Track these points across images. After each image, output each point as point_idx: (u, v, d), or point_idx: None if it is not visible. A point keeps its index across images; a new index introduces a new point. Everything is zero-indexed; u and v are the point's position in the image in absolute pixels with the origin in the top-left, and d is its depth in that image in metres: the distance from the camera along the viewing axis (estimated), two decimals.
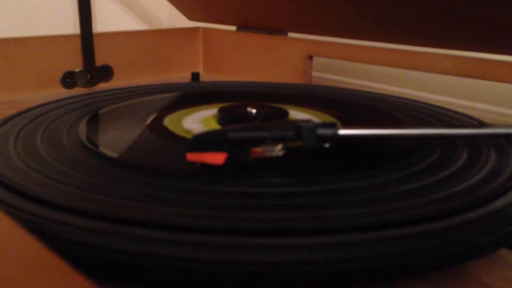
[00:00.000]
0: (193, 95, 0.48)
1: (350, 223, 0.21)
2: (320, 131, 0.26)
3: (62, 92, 0.54)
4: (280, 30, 0.61)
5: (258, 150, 0.26)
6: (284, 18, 0.58)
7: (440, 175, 0.27)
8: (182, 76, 0.65)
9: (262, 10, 0.59)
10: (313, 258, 0.19)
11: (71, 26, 0.73)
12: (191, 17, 0.72)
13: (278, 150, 0.26)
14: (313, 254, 0.19)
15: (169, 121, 0.36)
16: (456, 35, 0.44)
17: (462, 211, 0.23)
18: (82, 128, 0.34)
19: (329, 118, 0.38)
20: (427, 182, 0.26)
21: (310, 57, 0.58)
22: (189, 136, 0.32)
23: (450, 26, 0.43)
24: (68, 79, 0.55)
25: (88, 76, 0.56)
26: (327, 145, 0.27)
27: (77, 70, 0.56)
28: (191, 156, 0.26)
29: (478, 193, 0.25)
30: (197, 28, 0.69)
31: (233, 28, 0.67)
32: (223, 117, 0.35)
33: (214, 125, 0.35)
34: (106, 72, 0.58)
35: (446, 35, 0.45)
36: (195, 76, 0.60)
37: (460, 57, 0.46)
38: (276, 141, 0.26)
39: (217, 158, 0.26)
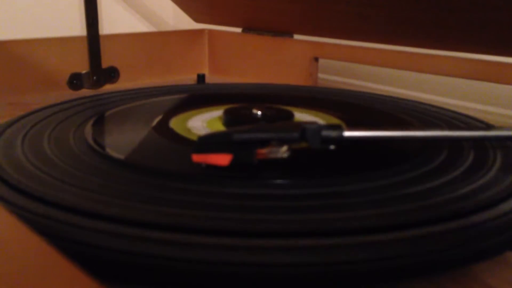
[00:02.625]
0: (198, 97, 0.48)
1: (355, 225, 0.21)
2: (325, 132, 0.26)
3: (68, 94, 0.55)
4: (285, 32, 0.61)
5: (263, 151, 0.26)
6: (289, 20, 0.58)
7: (446, 177, 0.27)
8: (188, 78, 0.65)
9: (268, 12, 0.59)
10: (318, 260, 0.19)
11: (77, 27, 0.74)
12: (197, 19, 0.72)
13: (283, 151, 0.26)
14: (317, 256, 0.19)
15: (175, 123, 0.36)
16: (462, 37, 0.44)
17: (467, 213, 0.22)
18: (88, 130, 0.34)
19: (334, 120, 0.38)
20: (432, 184, 0.26)
21: (316, 59, 0.58)
22: (194, 137, 0.33)
23: (455, 28, 0.43)
24: (75, 81, 0.56)
25: (94, 78, 0.57)
26: (332, 147, 0.27)
27: (84, 71, 0.56)
28: (197, 157, 0.26)
29: (484, 195, 0.24)
30: (202, 30, 0.69)
31: (239, 30, 0.67)
32: (229, 119, 0.35)
33: (220, 127, 0.36)
34: (112, 74, 0.59)
35: (451, 38, 0.45)
36: (201, 77, 0.60)
37: (465, 59, 0.46)
38: (281, 142, 0.26)
39: (223, 159, 0.26)
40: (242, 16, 0.64)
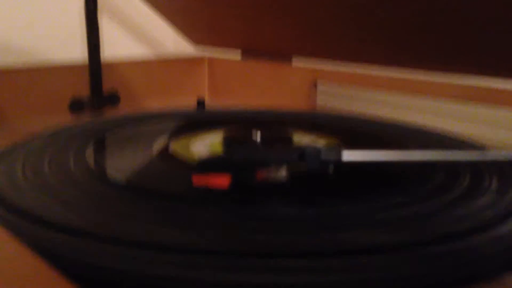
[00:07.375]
0: (199, 122, 0.48)
1: (349, 246, 0.21)
2: (324, 155, 0.27)
3: (70, 119, 0.55)
4: (284, 54, 0.62)
5: (263, 173, 0.26)
6: (288, 42, 0.59)
7: (443, 200, 0.27)
8: (188, 105, 0.66)
9: (267, 35, 0.60)
10: (317, 280, 0.19)
11: (78, 51, 0.75)
12: (196, 41, 0.72)
13: (282, 173, 0.27)
14: (314, 276, 0.19)
15: (176, 147, 0.37)
16: (461, 60, 0.44)
17: (464, 235, 0.23)
18: (89, 154, 0.34)
19: (333, 144, 0.38)
20: (429, 207, 0.26)
21: (315, 84, 0.59)
22: (195, 161, 0.33)
23: (454, 51, 0.44)
24: (76, 106, 0.56)
25: (96, 103, 0.57)
26: (331, 169, 0.27)
27: (85, 96, 0.57)
28: (197, 179, 0.27)
29: (480, 218, 0.25)
30: (202, 58, 0.70)
31: (238, 57, 0.68)
32: (229, 143, 0.36)
33: (220, 151, 0.36)
34: (113, 99, 0.59)
35: (450, 60, 0.45)
36: (201, 103, 0.60)
37: (463, 86, 0.47)
38: (280, 164, 0.27)
39: (223, 181, 0.26)
40: (241, 39, 0.65)
